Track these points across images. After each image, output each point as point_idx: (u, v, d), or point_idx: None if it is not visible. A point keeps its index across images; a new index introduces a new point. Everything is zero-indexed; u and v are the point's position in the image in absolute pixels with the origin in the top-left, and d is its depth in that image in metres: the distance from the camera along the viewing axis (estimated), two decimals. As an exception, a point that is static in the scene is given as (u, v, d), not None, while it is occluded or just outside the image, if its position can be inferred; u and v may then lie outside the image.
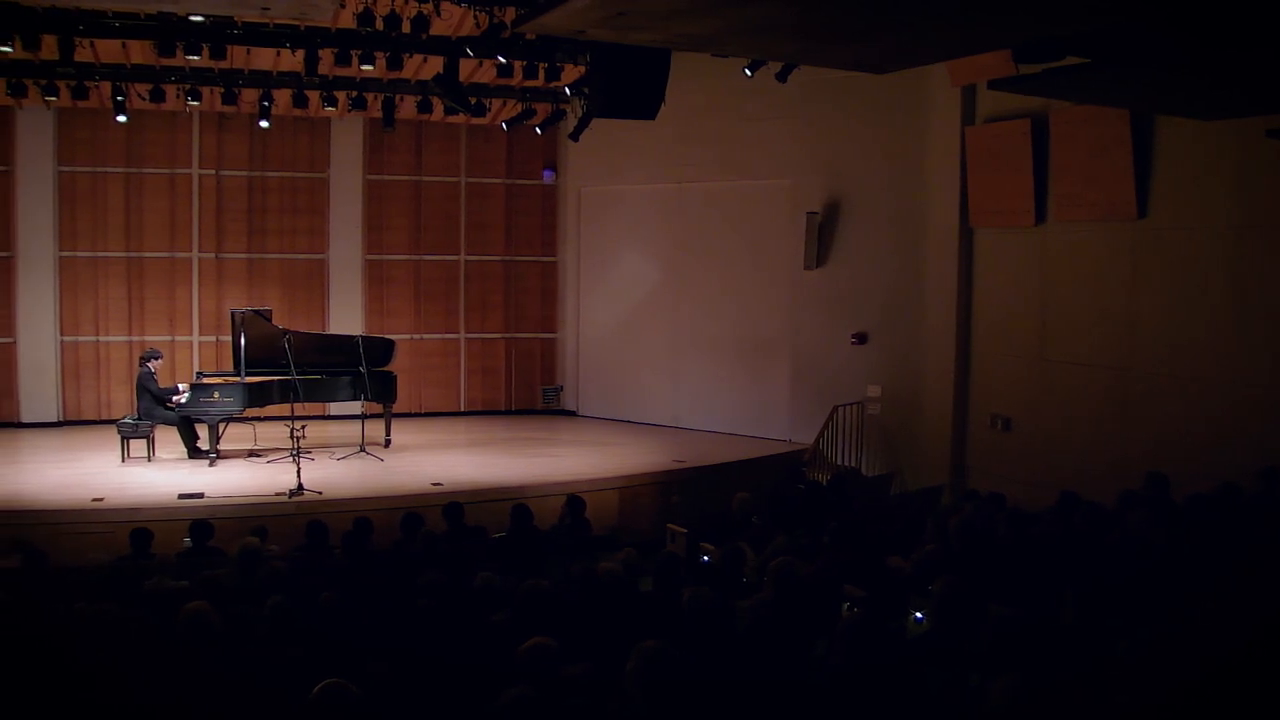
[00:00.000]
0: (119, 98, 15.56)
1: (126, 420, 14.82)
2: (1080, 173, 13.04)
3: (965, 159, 14.52)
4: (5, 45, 12.46)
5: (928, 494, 13.22)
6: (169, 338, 18.13)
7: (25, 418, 17.75)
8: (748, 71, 14.32)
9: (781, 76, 14.57)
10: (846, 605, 6.91)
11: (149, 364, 15.01)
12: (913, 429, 15.75)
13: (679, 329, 18.70)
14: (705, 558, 9.02)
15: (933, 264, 15.33)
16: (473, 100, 16.27)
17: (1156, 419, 12.37)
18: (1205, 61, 7.64)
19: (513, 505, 11.11)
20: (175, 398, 14.67)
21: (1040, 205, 13.67)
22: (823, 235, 16.52)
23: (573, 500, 11.40)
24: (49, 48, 13.12)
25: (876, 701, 5.17)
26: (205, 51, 13.41)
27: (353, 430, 15.92)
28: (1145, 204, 12.47)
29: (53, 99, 15.38)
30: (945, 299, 15.07)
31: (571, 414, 20.01)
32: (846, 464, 15.81)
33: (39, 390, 17.83)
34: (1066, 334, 13.62)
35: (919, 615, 6.62)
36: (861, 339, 16.32)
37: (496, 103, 17.70)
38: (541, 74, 14.92)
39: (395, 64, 14.13)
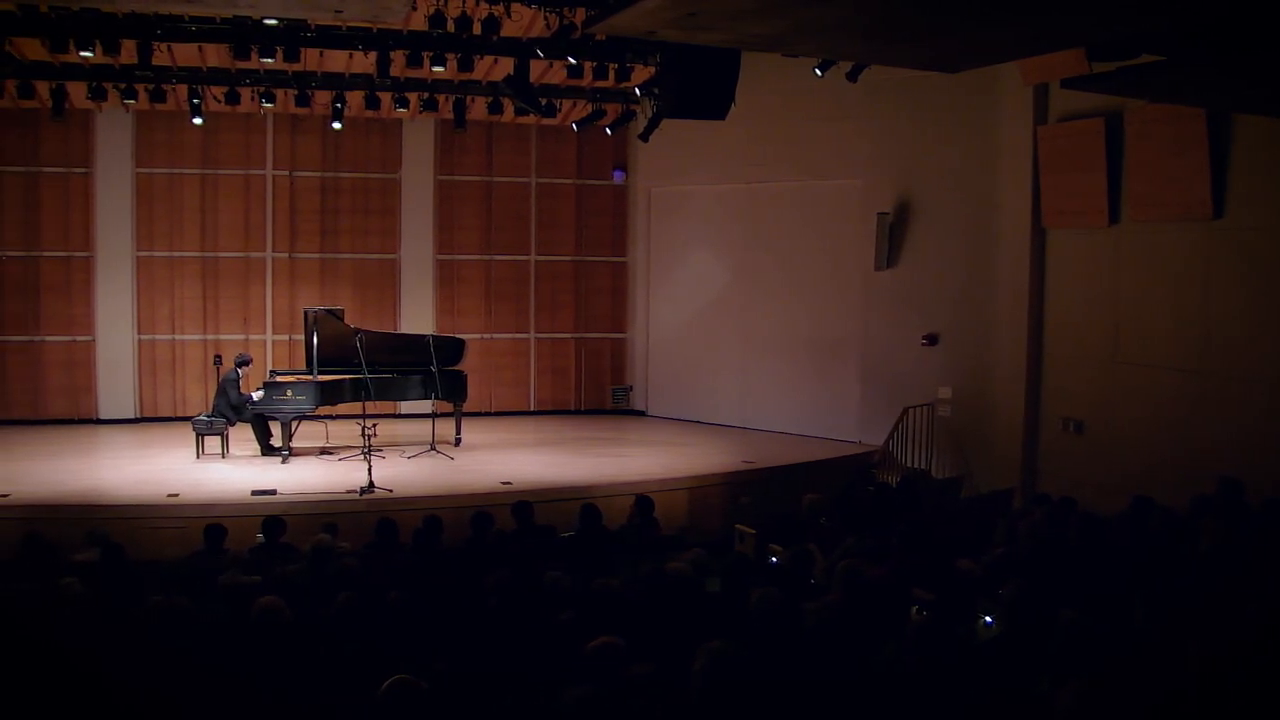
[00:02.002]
0: (195, 100, 15.80)
1: (201, 417, 15.05)
2: (1155, 172, 12.82)
3: (1038, 158, 14.33)
4: (87, 50, 12.77)
5: (998, 497, 13.08)
6: (243, 336, 18.40)
7: (103, 414, 18.10)
8: (818, 71, 14.27)
9: (852, 76, 14.49)
10: (915, 608, 6.87)
11: (238, 368, 15.20)
12: (983, 431, 15.59)
13: (749, 329, 18.66)
14: (773, 559, 9.00)
15: (1004, 265, 15.16)
16: (543, 101, 16.36)
17: (1231, 422, 12.13)
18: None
19: (582, 505, 11.10)
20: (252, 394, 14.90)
21: (1114, 205, 13.46)
22: (893, 236, 16.42)
23: (641, 500, 11.38)
24: (128, 52, 13.41)
25: (944, 705, 5.15)
26: (279, 54, 13.62)
27: (423, 429, 16.03)
28: (1222, 204, 12.24)
29: (131, 102, 15.70)
30: (1017, 300, 14.89)
31: (641, 414, 20.03)
32: (916, 466, 15.70)
33: (117, 387, 18.18)
34: (1140, 335, 13.41)
35: (988, 619, 6.57)
36: (932, 340, 16.21)
37: (567, 103, 17.76)
38: (612, 75, 14.98)
39: (466, 65, 14.24)
